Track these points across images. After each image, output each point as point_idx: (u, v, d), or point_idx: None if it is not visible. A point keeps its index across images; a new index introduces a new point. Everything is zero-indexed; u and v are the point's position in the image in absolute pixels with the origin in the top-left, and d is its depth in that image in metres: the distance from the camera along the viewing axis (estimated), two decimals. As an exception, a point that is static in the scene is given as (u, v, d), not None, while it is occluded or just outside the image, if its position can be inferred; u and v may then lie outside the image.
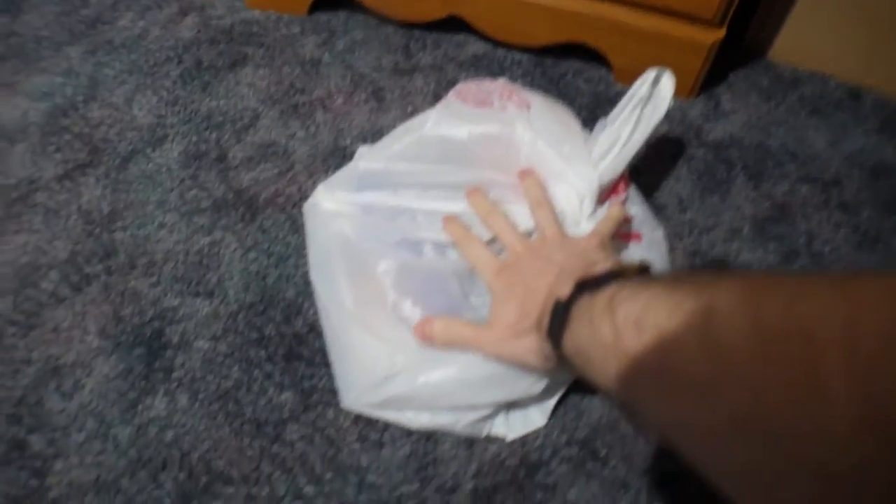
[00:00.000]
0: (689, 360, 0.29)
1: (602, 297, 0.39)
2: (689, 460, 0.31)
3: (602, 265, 0.47)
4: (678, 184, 0.73)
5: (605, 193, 0.61)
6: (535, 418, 0.58)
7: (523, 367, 0.52)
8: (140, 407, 0.59)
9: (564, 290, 0.44)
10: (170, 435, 0.57)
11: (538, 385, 0.54)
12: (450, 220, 0.59)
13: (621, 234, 0.62)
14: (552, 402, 0.58)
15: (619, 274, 0.43)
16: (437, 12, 0.82)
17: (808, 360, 0.23)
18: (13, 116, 0.80)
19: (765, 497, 0.26)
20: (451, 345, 0.54)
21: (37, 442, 0.57)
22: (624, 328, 0.34)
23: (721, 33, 0.73)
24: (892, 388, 0.20)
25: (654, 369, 0.32)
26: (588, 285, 0.42)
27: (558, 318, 0.43)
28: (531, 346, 0.48)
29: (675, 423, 0.31)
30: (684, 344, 0.29)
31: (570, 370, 0.44)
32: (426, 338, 0.55)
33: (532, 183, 0.59)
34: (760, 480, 0.25)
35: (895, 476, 0.21)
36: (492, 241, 0.59)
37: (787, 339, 0.24)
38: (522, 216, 0.60)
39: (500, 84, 0.65)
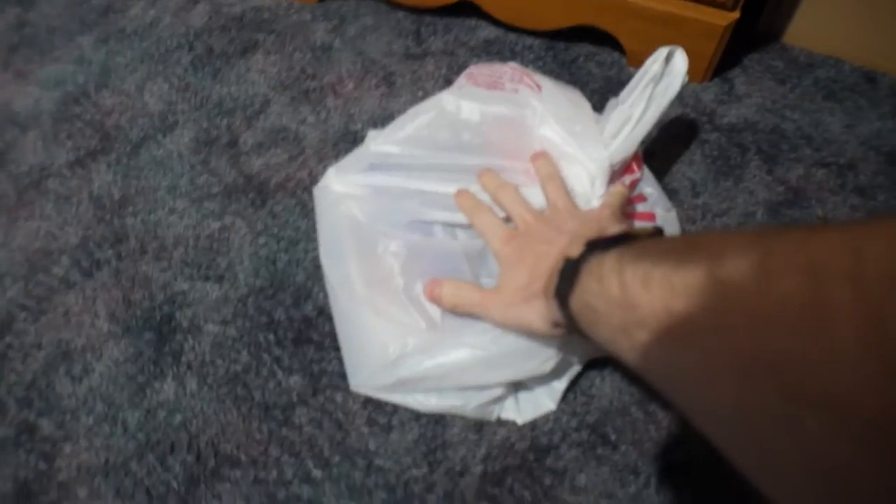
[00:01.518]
0: (695, 304, 0.29)
1: (612, 255, 0.39)
2: (691, 412, 0.30)
3: (614, 228, 0.47)
4: (691, 168, 0.72)
5: (619, 173, 0.60)
6: (546, 402, 0.58)
7: (530, 332, 0.51)
8: (149, 391, 0.59)
9: (575, 251, 0.43)
10: (178, 419, 0.57)
11: (548, 364, 0.53)
12: (461, 192, 0.59)
13: (634, 213, 0.62)
14: (562, 386, 0.58)
15: (631, 236, 0.43)
16: (448, -3, 0.81)
17: (813, 292, 0.23)
18: (26, 104, 0.80)
19: (769, 448, 0.26)
20: (459, 308, 0.54)
21: (46, 425, 0.57)
22: (632, 283, 0.34)
23: (735, 16, 0.72)
24: None
25: (659, 318, 0.31)
26: (599, 245, 0.42)
27: (567, 275, 0.43)
28: (540, 310, 0.48)
29: (679, 371, 0.31)
30: (690, 289, 0.29)
31: (578, 332, 0.43)
32: (434, 299, 0.55)
33: (544, 161, 0.59)
34: (765, 423, 0.25)
35: None
36: (505, 220, 0.58)
37: (794, 275, 0.24)
38: (535, 197, 0.59)
39: (511, 67, 0.64)
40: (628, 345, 0.35)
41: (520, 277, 0.51)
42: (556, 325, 0.47)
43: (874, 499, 0.22)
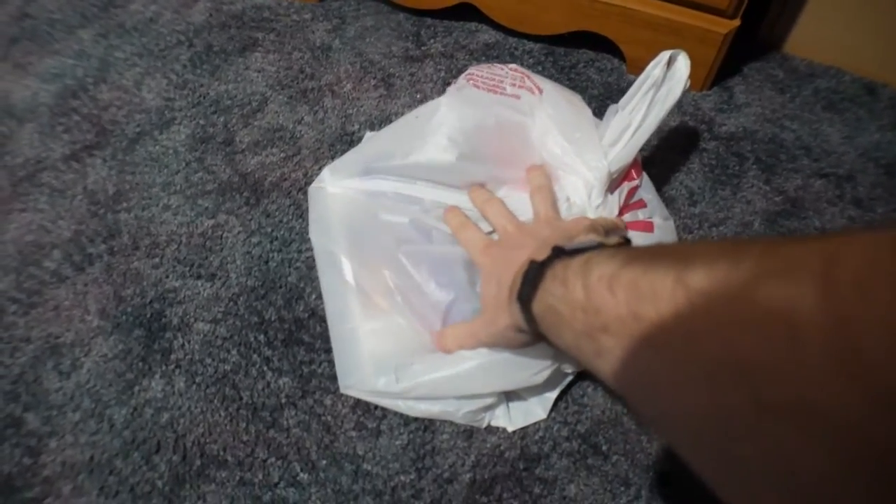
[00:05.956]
0: (661, 309, 0.28)
1: (578, 260, 0.38)
2: (656, 419, 0.30)
3: (585, 237, 0.46)
4: (689, 177, 0.72)
5: (618, 180, 0.60)
6: (537, 411, 0.57)
7: (507, 344, 0.50)
8: (137, 388, 0.58)
9: (541, 255, 0.43)
10: (165, 417, 0.57)
11: (540, 375, 0.53)
12: (450, 209, 0.59)
13: (633, 223, 0.61)
14: (553, 394, 0.57)
15: (598, 244, 0.42)
16: (449, 0, 0.81)
17: (784, 298, 0.23)
18: (23, 97, 0.80)
19: (736, 455, 0.25)
20: (465, 346, 0.53)
21: (32, 420, 0.57)
22: (597, 286, 0.33)
23: (735, 24, 0.72)
24: (869, 325, 0.20)
25: (625, 323, 0.31)
26: (566, 250, 0.41)
27: (531, 278, 0.42)
28: (509, 319, 0.47)
29: (644, 377, 0.30)
30: (657, 293, 0.28)
31: (541, 338, 0.43)
32: (444, 350, 0.54)
33: (537, 173, 0.59)
34: (734, 434, 0.25)
35: (871, 414, 0.20)
36: (490, 234, 0.58)
37: (764, 280, 0.24)
38: (527, 205, 0.59)
39: (512, 68, 0.63)
40: (592, 350, 0.34)
41: (492, 286, 0.50)
42: (519, 330, 0.46)
43: None
